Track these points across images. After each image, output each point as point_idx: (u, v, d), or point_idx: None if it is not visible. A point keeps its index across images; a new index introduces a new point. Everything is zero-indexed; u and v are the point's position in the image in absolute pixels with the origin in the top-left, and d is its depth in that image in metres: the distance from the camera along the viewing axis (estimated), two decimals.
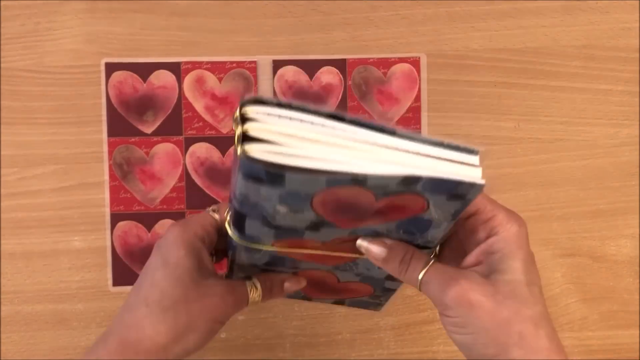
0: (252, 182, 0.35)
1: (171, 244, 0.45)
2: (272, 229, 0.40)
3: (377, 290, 0.50)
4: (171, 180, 0.58)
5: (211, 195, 0.59)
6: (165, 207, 0.58)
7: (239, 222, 0.41)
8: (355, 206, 0.37)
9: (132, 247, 0.58)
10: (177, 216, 0.58)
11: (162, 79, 0.58)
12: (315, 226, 0.40)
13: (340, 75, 0.59)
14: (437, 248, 0.44)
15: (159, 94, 0.58)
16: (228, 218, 0.44)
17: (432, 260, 0.41)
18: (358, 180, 0.35)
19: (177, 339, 0.43)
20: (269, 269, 0.48)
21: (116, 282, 0.59)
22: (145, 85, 0.58)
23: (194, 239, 0.46)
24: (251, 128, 0.34)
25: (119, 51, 0.58)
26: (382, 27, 0.59)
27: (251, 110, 0.35)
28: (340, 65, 0.59)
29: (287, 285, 0.49)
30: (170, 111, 0.58)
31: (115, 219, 0.58)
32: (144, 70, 0.58)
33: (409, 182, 0.35)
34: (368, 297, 0.52)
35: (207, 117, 0.58)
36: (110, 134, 0.58)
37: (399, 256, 0.41)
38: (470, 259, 0.41)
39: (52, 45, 0.57)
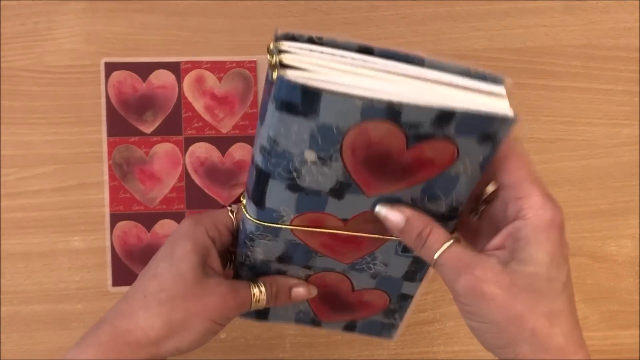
0: (285, 114, 0.35)
1: (181, 237, 0.45)
2: (294, 193, 0.39)
3: (392, 301, 0.49)
4: (171, 180, 0.58)
5: (211, 195, 0.58)
6: (164, 207, 0.58)
7: (260, 187, 0.40)
8: (385, 155, 0.37)
9: (131, 247, 0.58)
10: (177, 216, 0.58)
11: (162, 78, 0.58)
12: (340, 190, 0.39)
13: None
14: (457, 234, 0.43)
15: (158, 93, 0.58)
16: (244, 202, 0.43)
17: (451, 241, 0.39)
18: (393, 112, 0.34)
19: (170, 335, 0.42)
20: (280, 269, 0.47)
21: (116, 282, 0.59)
22: (144, 85, 0.58)
23: (204, 236, 0.45)
24: (286, 58, 0.35)
25: (118, 51, 0.58)
26: (382, 26, 0.59)
27: (284, 44, 0.36)
28: None
29: (295, 291, 0.47)
30: (169, 111, 0.58)
31: (115, 219, 0.58)
32: (143, 70, 0.58)
33: (443, 120, 0.35)
34: (382, 315, 0.50)
35: (206, 116, 0.58)
36: (110, 133, 0.58)
37: (417, 230, 0.39)
38: (495, 241, 0.39)
39: (52, 45, 0.57)
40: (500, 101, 0.37)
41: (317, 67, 0.35)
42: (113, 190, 0.58)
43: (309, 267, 0.46)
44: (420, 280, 0.47)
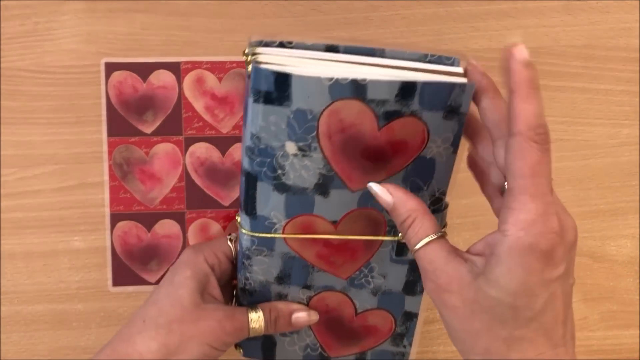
0: (262, 105, 0.37)
1: (180, 265, 0.46)
2: (282, 194, 0.41)
3: (397, 322, 0.49)
4: (171, 180, 0.58)
5: (211, 195, 0.59)
6: (165, 207, 0.58)
7: (250, 193, 0.41)
8: (359, 138, 0.38)
9: (131, 247, 0.58)
10: (177, 216, 0.58)
11: (162, 78, 0.58)
12: (324, 185, 0.40)
13: None
14: (446, 229, 0.42)
15: (158, 93, 0.58)
16: (239, 219, 0.44)
17: (429, 238, 0.37)
18: (359, 88, 0.37)
19: (166, 358, 0.43)
20: (281, 293, 0.47)
21: (116, 282, 0.59)
22: (145, 85, 0.58)
23: (202, 263, 0.46)
24: (260, 57, 0.38)
25: (118, 51, 0.58)
26: (382, 26, 0.59)
27: (258, 49, 0.39)
28: None
29: (296, 316, 0.47)
30: (170, 111, 0.58)
31: (115, 219, 0.58)
32: (143, 70, 0.58)
33: (406, 93, 0.37)
34: (390, 343, 0.50)
35: (207, 117, 0.58)
36: (110, 133, 0.58)
37: (401, 217, 0.38)
38: (477, 246, 0.38)
39: (52, 45, 0.57)
40: (458, 78, 0.38)
41: (288, 60, 0.38)
42: (113, 190, 0.58)
43: (308, 287, 0.47)
44: (421, 292, 0.47)
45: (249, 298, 0.47)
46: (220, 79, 0.58)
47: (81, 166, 0.58)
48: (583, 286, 0.61)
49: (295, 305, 0.47)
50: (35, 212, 0.58)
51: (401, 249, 0.45)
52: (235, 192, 0.59)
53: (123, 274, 0.59)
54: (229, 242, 0.48)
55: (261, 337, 0.49)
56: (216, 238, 0.49)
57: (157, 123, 0.58)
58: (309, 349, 0.51)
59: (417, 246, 0.37)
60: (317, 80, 0.36)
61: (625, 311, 0.62)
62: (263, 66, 0.37)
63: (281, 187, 0.41)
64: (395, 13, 0.59)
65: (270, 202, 0.42)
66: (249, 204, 0.42)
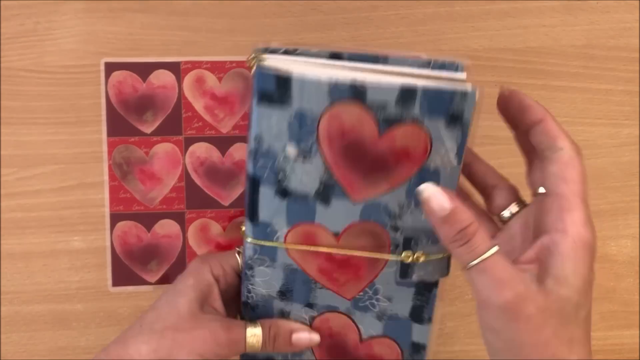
0: (264, 107, 0.38)
1: (185, 273, 0.47)
2: (283, 200, 0.41)
3: (405, 355, 0.47)
4: (171, 180, 0.58)
5: (211, 195, 0.59)
6: (165, 207, 0.58)
7: (252, 197, 0.42)
8: (360, 143, 0.39)
9: (131, 247, 0.58)
10: (177, 216, 0.58)
11: (162, 78, 0.58)
12: (325, 194, 0.41)
13: None
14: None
15: (158, 93, 0.58)
16: (243, 228, 0.44)
17: (497, 248, 0.35)
18: (358, 91, 0.37)
19: None
20: (283, 309, 0.46)
21: (116, 282, 0.59)
22: (144, 85, 0.58)
23: (207, 273, 0.46)
24: (264, 61, 0.39)
25: (118, 51, 0.57)
26: (382, 26, 0.59)
27: (263, 57, 0.39)
28: None
29: (297, 336, 0.45)
30: (169, 111, 0.58)
31: (115, 219, 0.58)
32: (143, 70, 0.58)
33: (406, 98, 0.37)
34: None
35: (206, 117, 0.58)
36: (110, 133, 0.58)
37: (462, 224, 0.35)
38: (529, 254, 0.37)
39: (52, 45, 0.57)
40: (461, 85, 0.38)
41: (291, 65, 0.38)
42: (113, 190, 0.58)
43: (311, 306, 0.45)
44: (430, 321, 0.46)
45: (251, 313, 0.47)
46: (220, 79, 0.58)
47: (81, 166, 0.58)
48: None
49: (297, 325, 0.46)
50: (35, 212, 0.58)
51: (405, 270, 0.43)
52: (236, 192, 0.59)
53: (123, 274, 0.58)
54: (237, 255, 0.48)
55: (261, 355, 0.48)
56: (226, 251, 0.49)
57: (157, 123, 0.58)
58: None
59: (489, 254, 0.35)
60: (317, 81, 0.37)
61: (626, 311, 0.62)
62: (265, 68, 0.38)
63: (283, 192, 0.41)
64: (395, 13, 0.59)
65: (271, 208, 0.42)
66: (251, 209, 0.42)
